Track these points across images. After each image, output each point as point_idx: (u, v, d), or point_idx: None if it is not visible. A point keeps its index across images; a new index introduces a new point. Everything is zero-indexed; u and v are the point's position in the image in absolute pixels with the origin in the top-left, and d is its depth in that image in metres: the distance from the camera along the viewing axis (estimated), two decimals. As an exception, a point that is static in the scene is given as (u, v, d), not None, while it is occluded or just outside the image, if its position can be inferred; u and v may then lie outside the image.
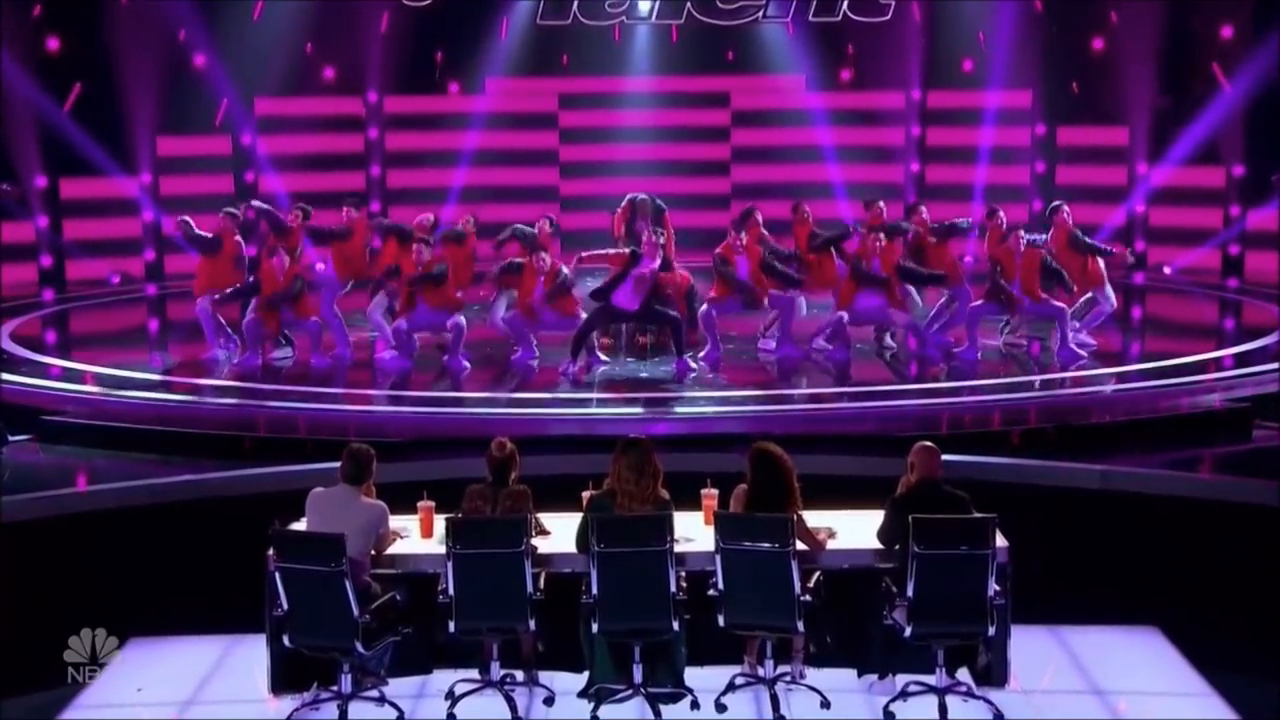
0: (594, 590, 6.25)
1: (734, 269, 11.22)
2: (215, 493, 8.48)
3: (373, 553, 6.49)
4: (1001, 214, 11.95)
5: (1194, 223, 16.17)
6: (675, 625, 6.29)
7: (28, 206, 15.74)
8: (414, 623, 6.52)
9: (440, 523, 6.51)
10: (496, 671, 6.52)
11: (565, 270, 11.13)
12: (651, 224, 12.10)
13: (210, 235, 11.81)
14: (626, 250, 11.32)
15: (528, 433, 9.15)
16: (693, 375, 10.90)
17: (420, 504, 6.83)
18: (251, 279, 11.63)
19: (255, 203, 12.99)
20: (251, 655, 6.92)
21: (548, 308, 11.03)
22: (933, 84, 17.69)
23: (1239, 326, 13.59)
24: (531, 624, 6.32)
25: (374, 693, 6.44)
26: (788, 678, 6.57)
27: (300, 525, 6.61)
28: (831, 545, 6.56)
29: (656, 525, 6.24)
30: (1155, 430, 9.46)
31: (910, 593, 6.18)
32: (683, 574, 6.39)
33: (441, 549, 6.34)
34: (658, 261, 10.87)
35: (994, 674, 6.64)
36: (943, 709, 6.30)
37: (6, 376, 10.70)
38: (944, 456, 6.56)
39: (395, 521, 6.64)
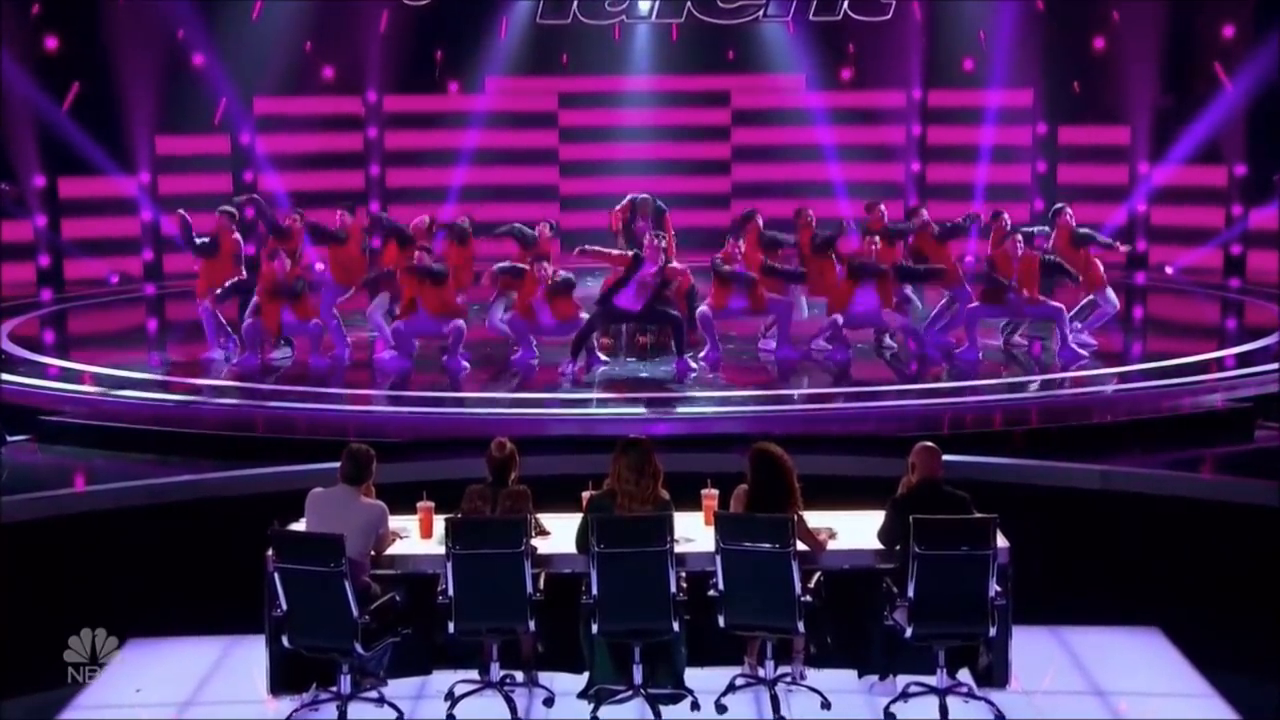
0: (594, 591, 6.24)
1: (732, 268, 11.17)
2: (214, 493, 8.47)
3: (372, 553, 6.47)
4: (1006, 216, 11.96)
5: (1195, 222, 16.16)
6: (675, 626, 6.27)
7: (26, 206, 15.73)
8: (413, 623, 6.51)
9: (440, 523, 6.50)
10: (496, 672, 6.51)
11: (567, 274, 11.13)
12: (652, 225, 12.10)
13: (207, 238, 11.79)
14: (629, 253, 11.31)
15: (528, 433, 9.14)
16: (693, 375, 10.89)
17: (420, 504, 6.81)
18: (249, 276, 11.62)
19: (255, 196, 12.93)
20: (250, 656, 6.90)
21: (547, 306, 11.01)
22: (933, 83, 17.69)
23: (1241, 326, 13.57)
24: (531, 625, 6.30)
25: (373, 693, 6.43)
26: (788, 678, 6.55)
27: (299, 526, 6.59)
28: (832, 546, 6.55)
29: (656, 526, 6.23)
30: (1156, 430, 9.45)
31: (911, 593, 6.17)
32: (683, 574, 6.38)
33: (441, 549, 6.33)
34: (660, 264, 10.86)
35: (995, 675, 6.62)
36: (943, 710, 6.29)
37: (5, 376, 10.68)
38: (945, 457, 6.54)
39: (395, 522, 6.62)
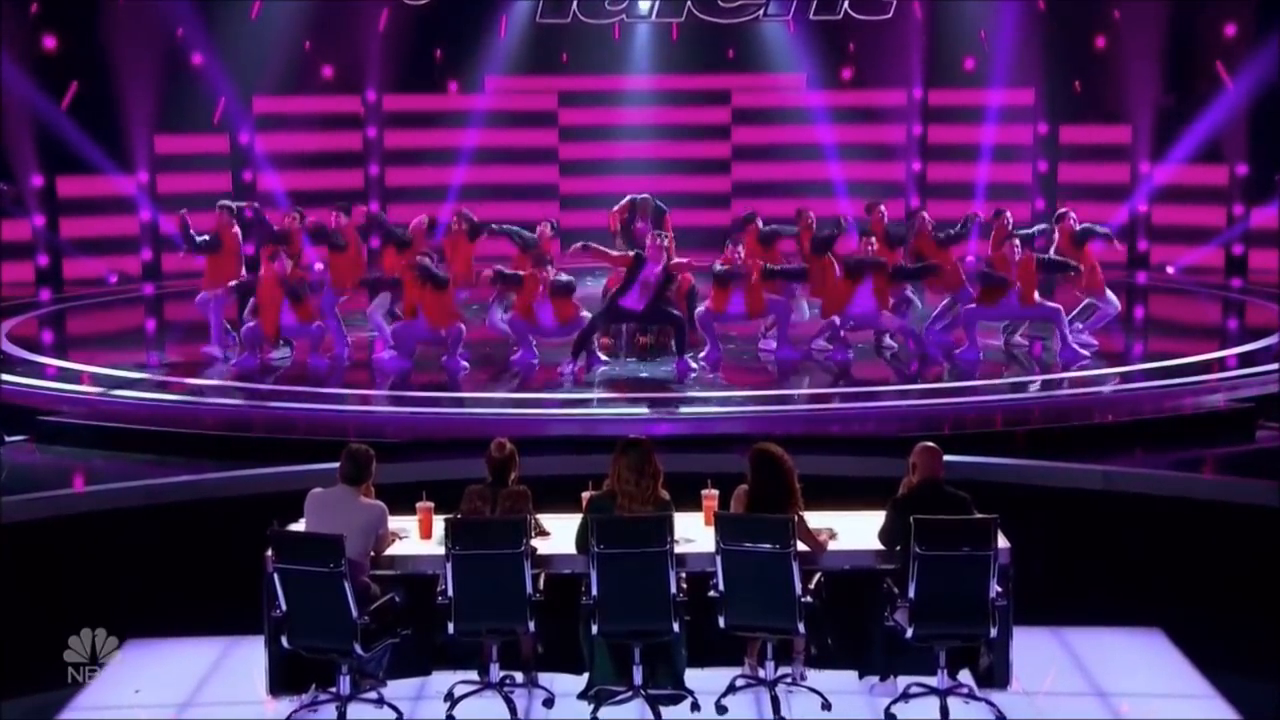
0: (594, 591, 6.22)
1: (728, 268, 11.12)
2: (213, 493, 8.45)
3: (372, 554, 6.46)
4: (1008, 214, 11.95)
5: (1197, 221, 16.14)
6: (675, 626, 6.26)
7: (24, 205, 15.70)
8: (413, 624, 6.49)
9: (439, 523, 6.48)
10: (496, 673, 6.49)
11: (569, 277, 11.12)
12: (652, 225, 12.07)
13: (208, 236, 11.79)
14: (630, 253, 11.29)
15: (527, 433, 9.13)
16: (693, 375, 10.87)
17: (419, 505, 6.80)
18: (250, 277, 11.61)
19: (255, 205, 12.89)
20: (250, 657, 6.88)
21: (548, 307, 10.98)
22: (934, 82, 17.68)
23: (1242, 326, 13.55)
24: (531, 625, 6.29)
25: (372, 694, 6.41)
26: (788, 679, 6.54)
27: (299, 526, 6.58)
28: (833, 546, 6.53)
29: (657, 526, 6.21)
30: (1158, 431, 9.43)
31: (912, 594, 6.15)
32: (683, 575, 6.36)
33: (441, 550, 6.31)
34: (662, 264, 10.84)
35: (996, 675, 6.60)
36: (944, 711, 6.27)
37: (3, 376, 10.66)
38: (946, 457, 6.52)
39: (394, 522, 6.61)
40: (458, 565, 6.21)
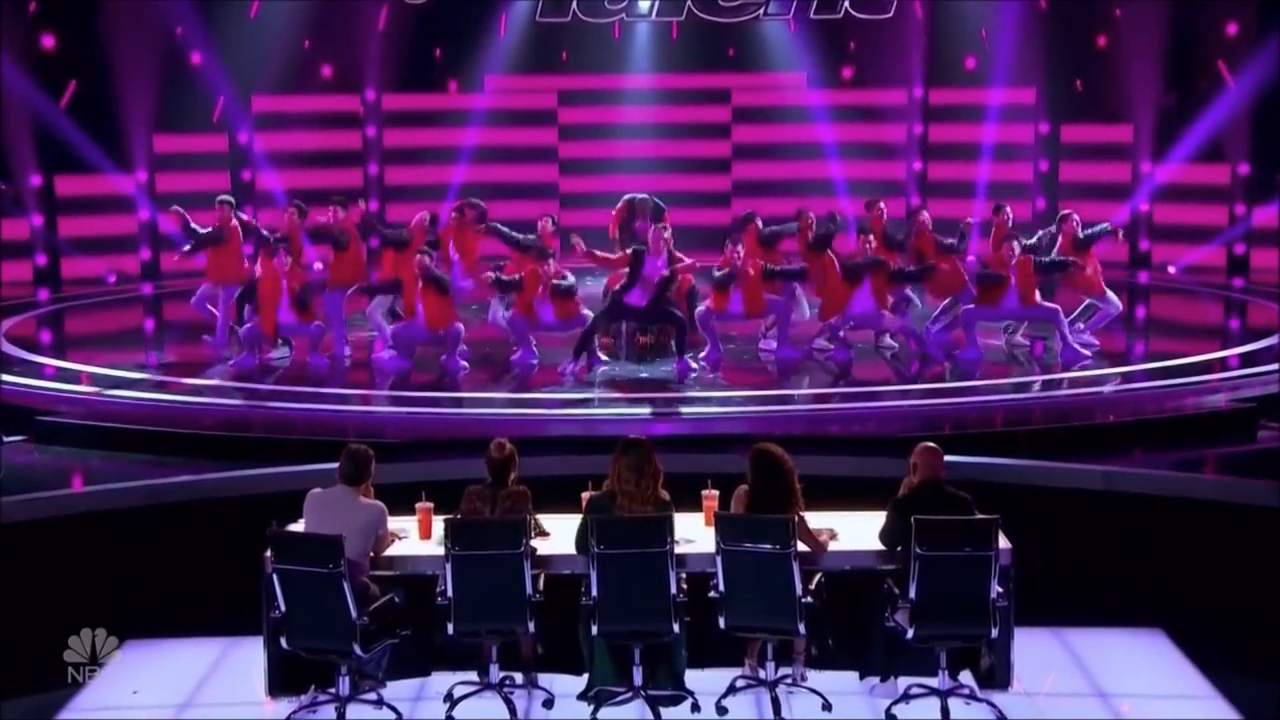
0: (594, 592, 6.21)
1: (727, 272, 11.09)
2: (212, 494, 8.43)
3: (371, 554, 6.44)
4: (1008, 210, 11.94)
5: (1198, 221, 16.11)
6: (675, 627, 6.24)
7: (22, 204, 15.68)
8: (412, 625, 6.48)
9: (439, 524, 6.47)
10: (495, 674, 6.48)
11: (569, 276, 11.09)
12: (652, 223, 12.04)
13: (210, 229, 11.80)
14: (627, 252, 11.27)
15: (527, 433, 9.12)
16: (693, 376, 10.85)
17: (419, 505, 6.78)
18: (250, 279, 11.59)
19: (254, 223, 12.80)
20: (249, 657, 6.86)
21: (550, 304, 10.96)
22: (935, 81, 17.66)
23: (1244, 326, 13.53)
24: (531, 626, 6.27)
25: (372, 695, 6.40)
26: (789, 680, 6.53)
27: (298, 526, 6.56)
28: (833, 547, 6.52)
29: (657, 526, 6.20)
30: (1159, 431, 9.41)
31: (912, 594, 6.14)
32: (683, 576, 6.35)
33: (440, 550, 6.30)
34: (664, 256, 10.83)
35: (997, 676, 6.60)
36: (945, 712, 6.26)
37: (2, 377, 10.64)
38: (946, 457, 6.51)
39: (394, 523, 6.60)
40: (457, 566, 6.20)
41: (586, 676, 6.54)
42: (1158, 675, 6.94)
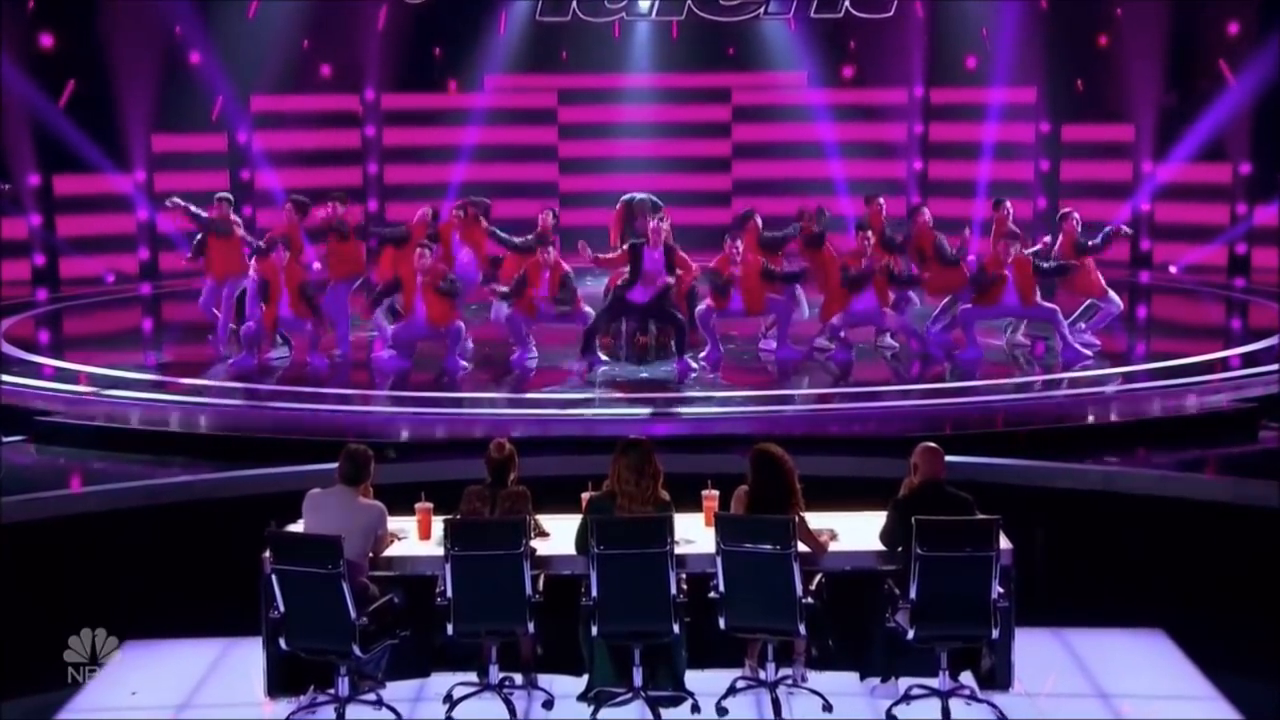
0: (594, 592, 6.20)
1: (727, 275, 11.08)
2: (211, 494, 8.42)
3: (370, 554, 6.43)
4: (1008, 205, 11.93)
5: (1200, 220, 16.09)
6: (676, 628, 6.23)
7: (21, 204, 15.66)
8: (412, 625, 6.47)
9: (438, 524, 6.46)
10: (495, 675, 6.47)
11: (570, 272, 11.09)
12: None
13: (216, 220, 11.82)
14: (625, 248, 11.28)
15: (527, 433, 9.10)
16: (693, 376, 10.83)
17: (418, 505, 6.77)
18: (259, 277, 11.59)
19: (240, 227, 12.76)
20: (248, 658, 6.84)
21: (550, 303, 10.96)
22: (936, 80, 17.65)
23: (1245, 326, 13.51)
24: (530, 627, 6.26)
25: (371, 696, 6.39)
26: (789, 681, 6.52)
27: (297, 527, 6.55)
28: (833, 547, 6.51)
29: (657, 527, 6.19)
30: (1160, 431, 9.40)
31: (913, 595, 6.12)
32: (683, 576, 6.34)
33: (440, 551, 6.29)
34: (661, 248, 10.84)
35: (998, 677, 6.59)
36: (946, 712, 6.25)
37: (0, 377, 10.63)
38: (947, 457, 6.49)
39: (393, 523, 6.59)
40: (457, 566, 6.19)
41: (586, 677, 6.53)
42: (1158, 675, 6.93)
